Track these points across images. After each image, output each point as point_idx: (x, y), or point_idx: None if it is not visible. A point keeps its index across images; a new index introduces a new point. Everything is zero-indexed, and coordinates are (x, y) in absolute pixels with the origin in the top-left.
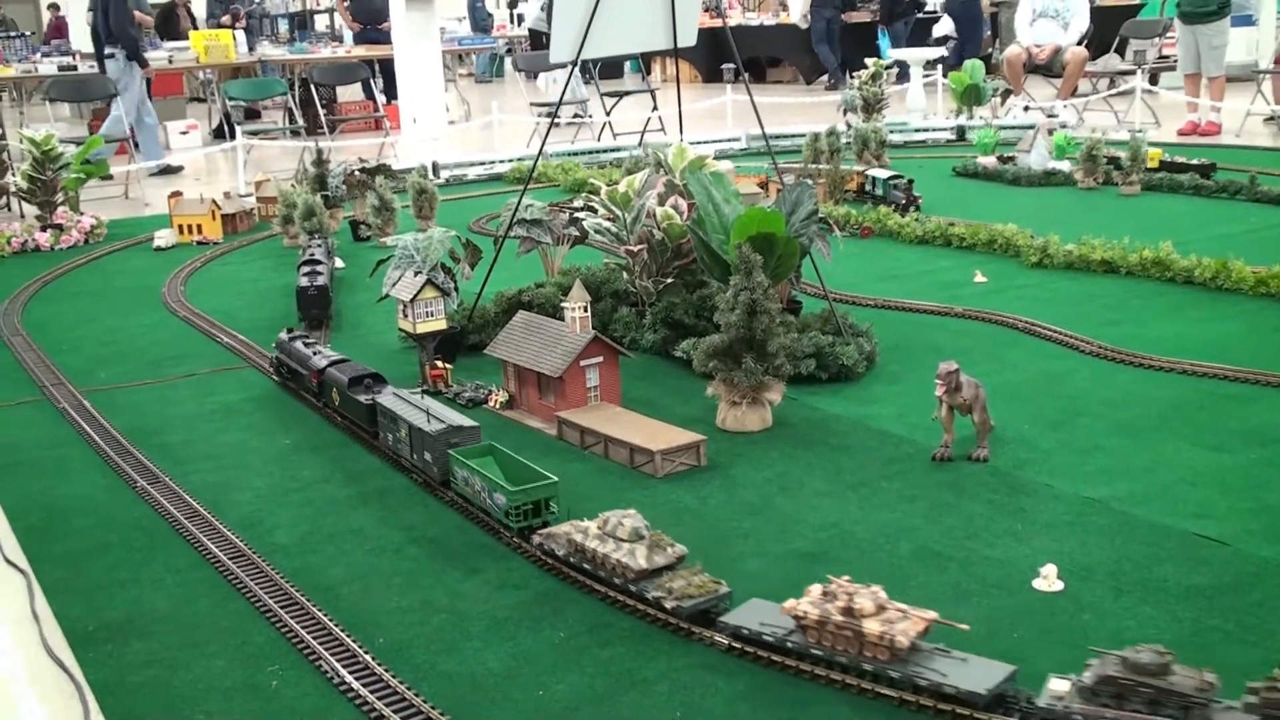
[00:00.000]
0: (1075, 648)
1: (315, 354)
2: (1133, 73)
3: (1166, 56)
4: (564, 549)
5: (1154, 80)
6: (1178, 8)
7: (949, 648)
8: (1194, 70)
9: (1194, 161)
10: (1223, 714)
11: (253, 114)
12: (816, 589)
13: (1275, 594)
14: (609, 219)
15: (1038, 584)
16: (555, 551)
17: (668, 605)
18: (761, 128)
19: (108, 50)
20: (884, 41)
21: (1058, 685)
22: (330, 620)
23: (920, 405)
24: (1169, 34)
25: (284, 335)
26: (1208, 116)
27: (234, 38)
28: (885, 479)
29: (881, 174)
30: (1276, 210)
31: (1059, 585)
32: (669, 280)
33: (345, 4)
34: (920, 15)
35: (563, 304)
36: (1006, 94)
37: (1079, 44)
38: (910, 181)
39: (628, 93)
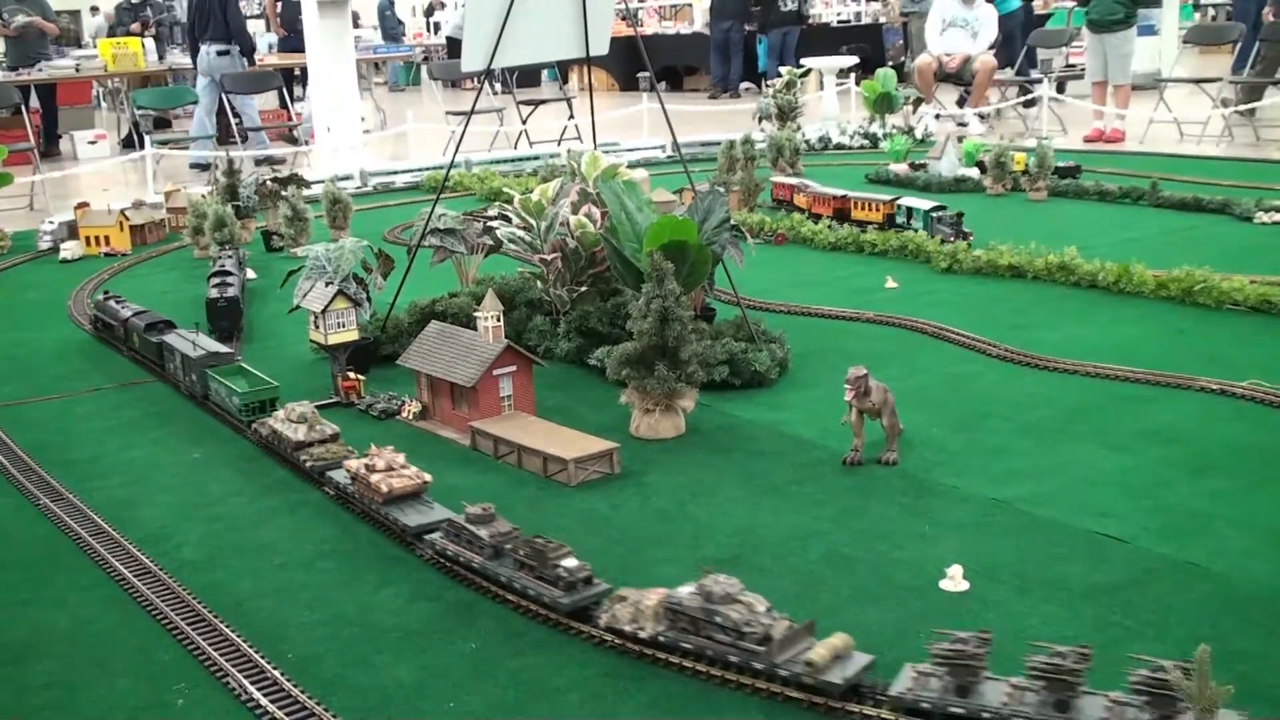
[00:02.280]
0: None
1: (122, 308)
2: (1040, 81)
3: (1073, 65)
4: (266, 432)
5: (1061, 89)
6: (1086, 16)
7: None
8: (1101, 78)
9: (1061, 164)
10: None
11: (163, 123)
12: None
13: (1173, 590)
14: (523, 228)
15: (945, 585)
16: (260, 432)
17: (307, 466)
18: (673, 136)
19: (221, 47)
20: (761, 49)
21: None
22: (238, 636)
23: (832, 410)
24: (1075, 43)
25: (100, 296)
26: (1113, 124)
27: (143, 46)
28: (797, 484)
29: (921, 204)
30: (1178, 215)
31: (965, 585)
32: (583, 289)
33: (277, 10)
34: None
35: (475, 313)
36: (918, 102)
37: (988, 53)
38: (959, 215)
39: (544, 101)
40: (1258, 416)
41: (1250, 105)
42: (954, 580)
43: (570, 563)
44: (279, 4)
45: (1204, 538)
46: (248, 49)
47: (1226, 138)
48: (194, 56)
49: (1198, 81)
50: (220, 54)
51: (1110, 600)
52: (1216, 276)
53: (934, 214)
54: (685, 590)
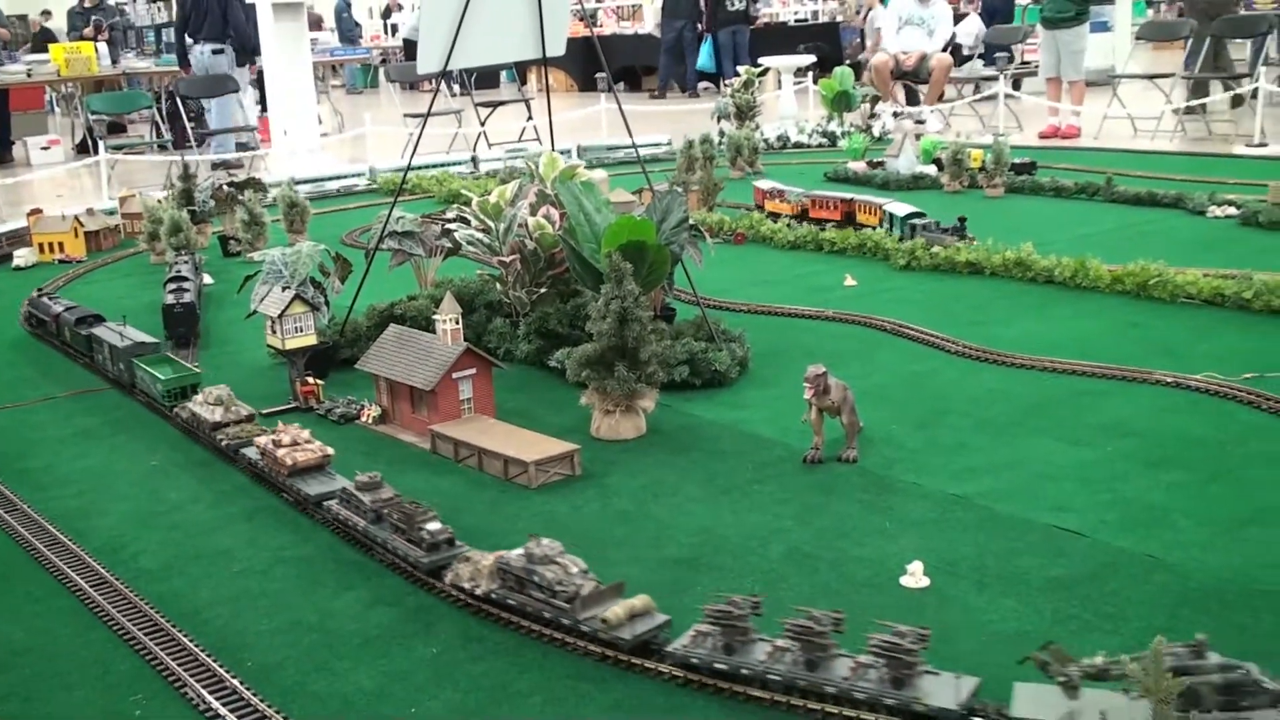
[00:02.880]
0: (940, 640)
1: (54, 304)
2: (996, 78)
3: (1029, 62)
4: (186, 415)
5: (1017, 85)
6: (1040, 14)
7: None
8: (1055, 74)
9: (1017, 161)
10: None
11: (117, 128)
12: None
13: (1130, 582)
14: (481, 230)
15: (905, 581)
16: (181, 416)
17: (223, 445)
18: (630, 136)
19: (216, 45)
20: (706, 49)
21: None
22: (196, 645)
23: (792, 409)
24: (1030, 40)
25: (34, 293)
26: (1068, 120)
27: (96, 50)
28: (758, 483)
29: (900, 209)
30: (1132, 210)
31: (925, 581)
32: (542, 290)
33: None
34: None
35: (434, 316)
36: (875, 100)
37: (944, 51)
38: (960, 222)
39: (502, 102)
40: (1212, 409)
41: (1200, 100)
42: (914, 576)
43: (434, 526)
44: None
45: (1160, 530)
46: (250, 48)
47: (1180, 133)
48: (182, 57)
49: (1151, 77)
50: (215, 52)
51: (1069, 593)
52: (1171, 270)
53: (912, 220)
54: (515, 552)
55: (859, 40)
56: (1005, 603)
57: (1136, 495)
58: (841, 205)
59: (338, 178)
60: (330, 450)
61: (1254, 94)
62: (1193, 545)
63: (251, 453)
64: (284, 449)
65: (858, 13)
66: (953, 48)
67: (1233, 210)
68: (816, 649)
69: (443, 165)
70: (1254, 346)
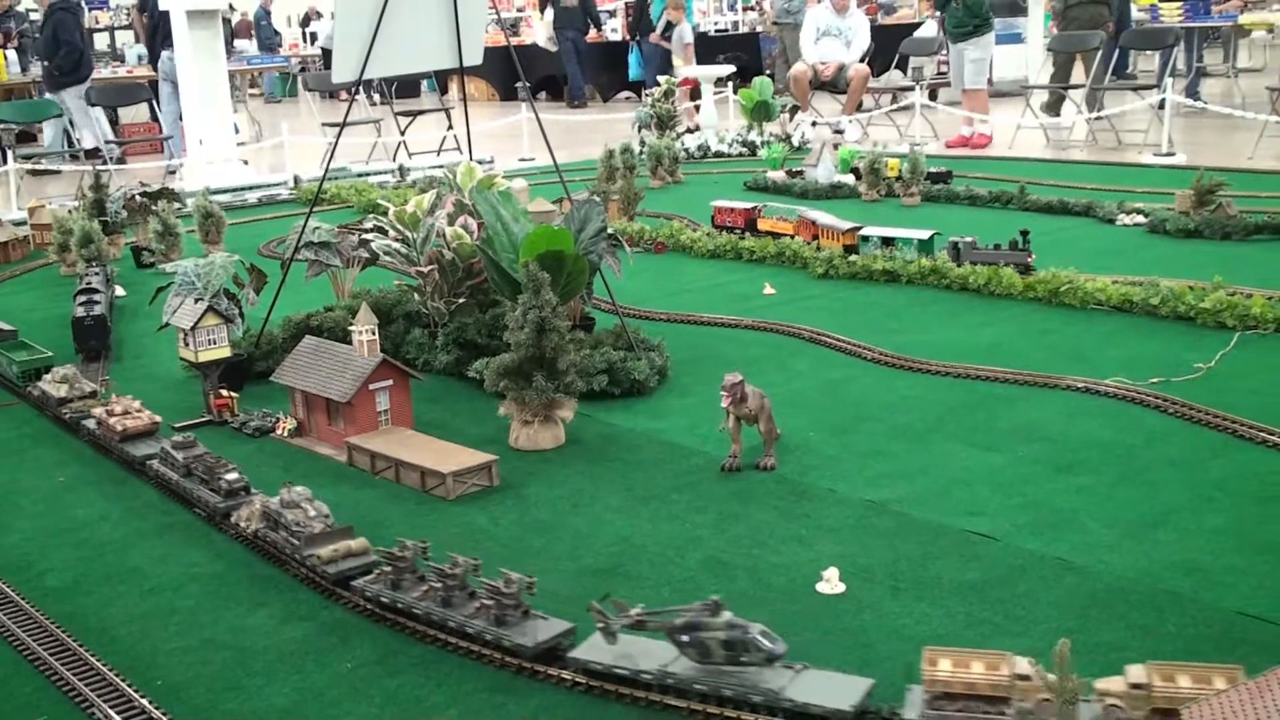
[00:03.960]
0: (856, 647)
1: None
2: (912, 88)
3: (944, 73)
4: (37, 393)
5: (933, 95)
6: (946, 30)
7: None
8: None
9: (933, 170)
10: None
11: (27, 137)
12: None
13: (1040, 585)
14: (399, 240)
15: (821, 587)
16: (33, 393)
17: (67, 417)
18: (548, 145)
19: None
20: (633, 57)
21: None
22: (104, 665)
23: (711, 417)
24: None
25: None
26: (979, 129)
27: (5, 58)
28: (676, 491)
29: (915, 234)
30: (1044, 217)
31: (841, 587)
32: (461, 300)
33: (144, 20)
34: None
35: (350, 327)
36: (794, 110)
37: (861, 61)
38: (1024, 237)
39: (422, 111)
40: (1120, 413)
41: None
42: (830, 583)
43: (231, 476)
44: (145, 15)
45: (1070, 533)
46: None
47: (1090, 142)
48: (154, 60)
49: (1060, 88)
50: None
51: (981, 597)
52: (1081, 277)
53: (956, 244)
54: (276, 498)
55: (779, 50)
56: (919, 607)
57: (1047, 499)
58: (844, 236)
59: (255, 187)
60: (159, 418)
61: (1161, 104)
62: (1101, 547)
63: (90, 423)
64: (115, 417)
65: (774, 24)
66: (870, 58)
67: (1141, 218)
68: (455, 590)
69: (370, 174)
70: (1161, 352)
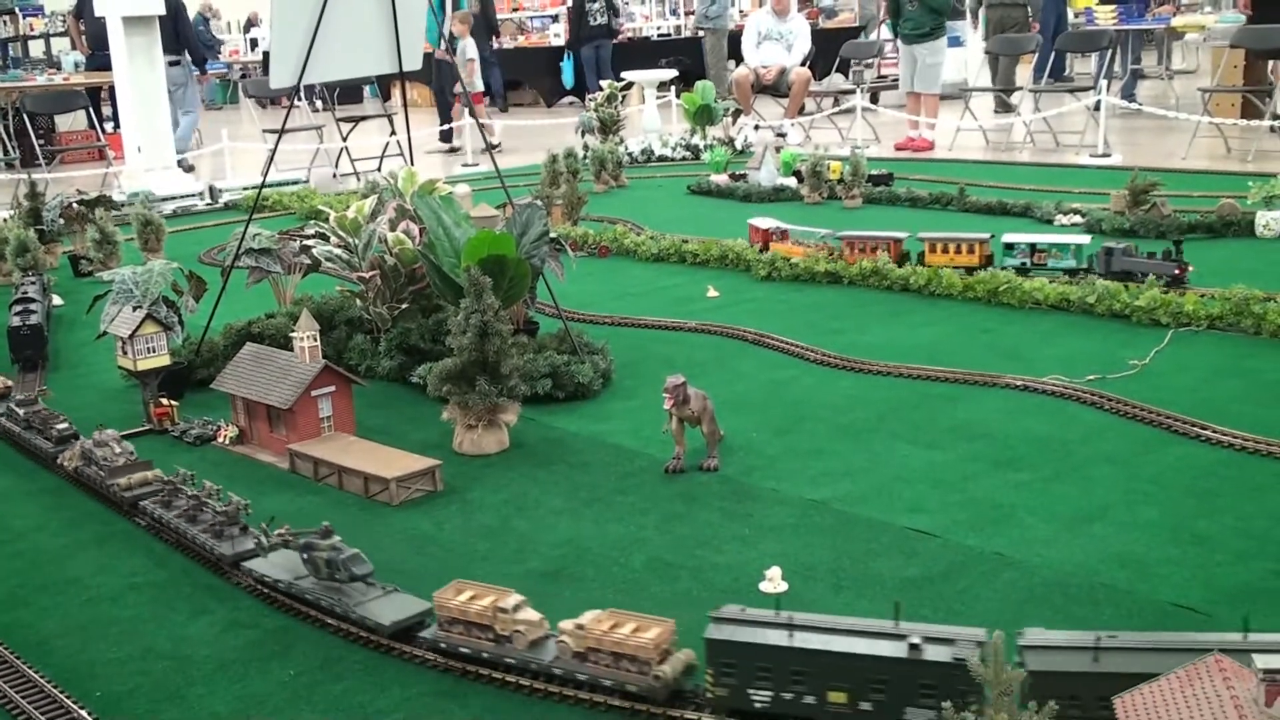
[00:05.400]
0: None
1: None
2: (854, 92)
3: (885, 76)
4: None
5: (874, 99)
6: (899, 30)
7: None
8: (913, 88)
9: (874, 173)
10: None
11: None
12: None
13: (979, 580)
14: (341, 246)
15: (764, 586)
16: None
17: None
18: (489, 150)
19: (172, 58)
20: (567, 65)
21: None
22: (42, 677)
23: (654, 419)
24: (886, 55)
25: None
26: (924, 132)
27: None
28: (620, 493)
29: (1071, 239)
30: (984, 218)
31: (784, 586)
32: (404, 306)
33: (80, 27)
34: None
35: (292, 334)
36: (737, 114)
37: (803, 65)
38: (1177, 248)
39: (365, 117)
40: (1058, 410)
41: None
42: (773, 582)
43: (62, 426)
44: (81, 21)
45: (1008, 528)
46: (199, 59)
47: (1029, 144)
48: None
49: (1000, 91)
50: (171, 64)
51: (921, 593)
52: (1019, 278)
53: (1109, 252)
54: (91, 439)
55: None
56: (861, 604)
57: (986, 495)
58: (895, 245)
59: (171, 198)
60: (10, 382)
61: (1097, 106)
62: (1038, 542)
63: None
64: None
65: (697, 28)
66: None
67: (1078, 218)
68: (200, 507)
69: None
70: (1097, 349)
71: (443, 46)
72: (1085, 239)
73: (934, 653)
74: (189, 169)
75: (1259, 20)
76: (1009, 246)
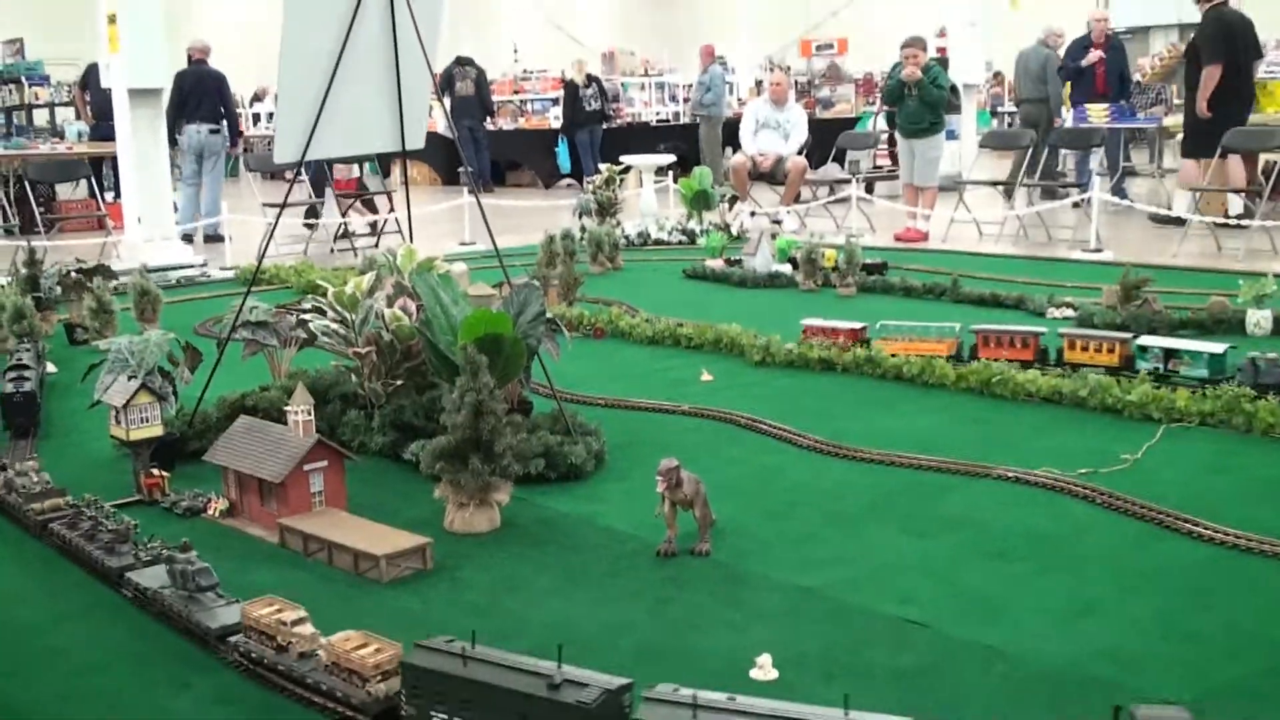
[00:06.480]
0: None
1: None
2: (849, 181)
3: (880, 166)
4: None
5: (870, 188)
6: (899, 124)
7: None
8: (911, 180)
9: (868, 261)
10: None
11: None
12: None
13: (970, 672)
14: (337, 321)
15: (754, 674)
16: None
17: None
18: (489, 230)
19: (212, 126)
20: (561, 149)
21: None
22: None
23: (646, 502)
24: (881, 146)
25: None
26: (921, 225)
27: None
28: (611, 576)
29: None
30: (977, 310)
31: (774, 674)
32: (399, 382)
33: (85, 97)
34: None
35: (286, 408)
36: (733, 200)
37: (799, 153)
38: None
39: (364, 194)
40: (1050, 503)
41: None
42: (763, 669)
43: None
44: (86, 92)
45: (1000, 620)
46: (235, 130)
47: (1022, 237)
48: (172, 136)
49: (994, 184)
50: (212, 132)
51: (912, 684)
52: (1012, 369)
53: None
54: (13, 471)
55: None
56: (852, 695)
57: (977, 586)
58: (1034, 340)
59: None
60: None
61: (1089, 202)
62: (1029, 635)
63: None
64: None
65: (693, 114)
66: (808, 150)
67: (1070, 311)
68: (105, 531)
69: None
70: (1089, 443)
71: None
72: (1219, 347)
73: None
74: (220, 239)
75: (1216, 120)
76: (1143, 349)
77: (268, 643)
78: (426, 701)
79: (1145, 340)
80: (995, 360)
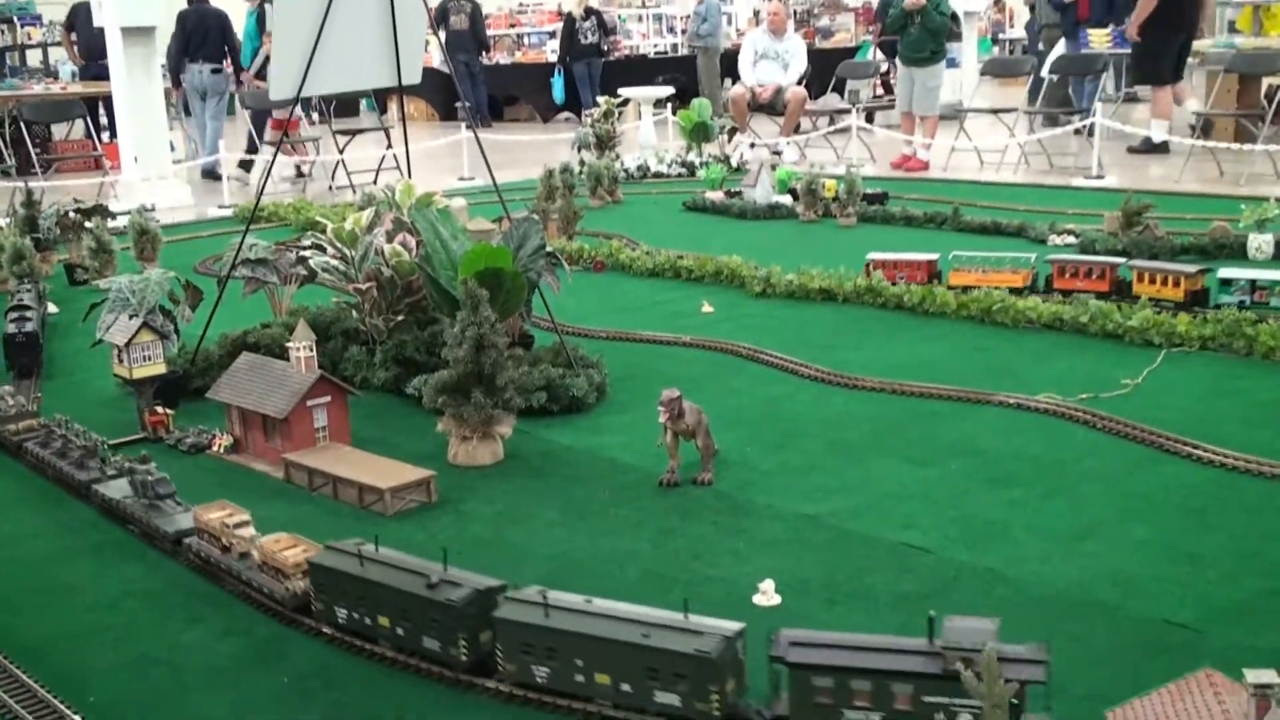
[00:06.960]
0: None
1: None
2: (849, 111)
3: (880, 96)
4: None
5: (870, 118)
6: (899, 51)
7: None
8: (909, 109)
9: (869, 191)
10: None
11: None
12: None
13: (973, 596)
14: (337, 257)
15: (757, 599)
16: None
17: None
18: (487, 164)
19: (215, 66)
20: (557, 81)
21: None
22: (35, 682)
23: (648, 433)
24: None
25: None
26: (920, 153)
27: None
28: (614, 506)
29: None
30: (978, 238)
31: (777, 600)
32: (400, 317)
33: (72, 39)
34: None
35: (288, 344)
36: (733, 131)
37: (798, 84)
38: None
39: (361, 130)
40: (1050, 428)
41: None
42: (766, 595)
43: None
44: (73, 33)
45: (1001, 544)
46: (238, 68)
47: (1023, 164)
48: (176, 76)
49: (995, 112)
50: (214, 72)
51: (915, 608)
52: (1012, 296)
53: None
54: None
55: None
56: (854, 618)
57: (978, 512)
58: (1110, 271)
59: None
60: None
61: (1090, 129)
62: (1031, 559)
63: None
64: None
65: (690, 46)
66: (807, 81)
67: (1071, 239)
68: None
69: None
70: (1090, 368)
71: (254, 69)
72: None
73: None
74: (218, 177)
75: (1157, 44)
76: (1226, 282)
77: (215, 543)
78: (330, 597)
79: (1228, 272)
80: (1070, 291)
